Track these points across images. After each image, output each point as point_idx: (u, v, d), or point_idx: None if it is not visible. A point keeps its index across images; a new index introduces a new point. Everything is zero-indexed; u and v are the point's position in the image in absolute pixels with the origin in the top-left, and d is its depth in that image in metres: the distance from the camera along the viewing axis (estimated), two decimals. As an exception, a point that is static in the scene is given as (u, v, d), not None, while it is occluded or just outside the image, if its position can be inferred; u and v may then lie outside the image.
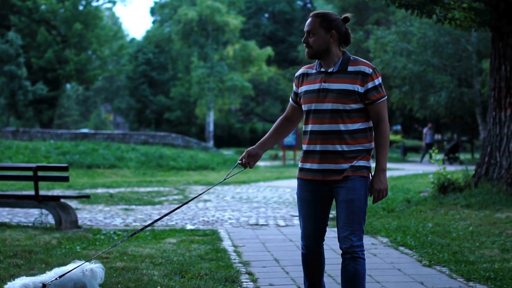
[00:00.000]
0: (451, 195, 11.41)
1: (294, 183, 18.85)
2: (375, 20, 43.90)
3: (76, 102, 71.36)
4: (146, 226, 5.02)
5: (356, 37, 36.53)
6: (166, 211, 12.17)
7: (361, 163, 4.47)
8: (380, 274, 6.48)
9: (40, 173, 10.09)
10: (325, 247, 4.85)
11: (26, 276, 4.90)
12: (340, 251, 4.53)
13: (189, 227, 10.16)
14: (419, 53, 31.02)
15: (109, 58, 49.38)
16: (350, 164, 4.45)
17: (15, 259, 7.02)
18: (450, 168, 17.52)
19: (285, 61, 62.75)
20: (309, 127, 4.55)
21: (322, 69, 4.54)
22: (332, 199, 4.62)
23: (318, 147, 4.50)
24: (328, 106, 4.45)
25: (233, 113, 59.69)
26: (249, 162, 4.76)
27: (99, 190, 16.50)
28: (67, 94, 60.22)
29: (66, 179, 10.00)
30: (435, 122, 39.78)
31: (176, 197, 14.92)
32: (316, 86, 4.52)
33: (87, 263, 4.82)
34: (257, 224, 10.51)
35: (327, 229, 4.78)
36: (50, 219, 10.30)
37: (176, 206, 12.99)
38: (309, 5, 67.95)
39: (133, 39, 68.08)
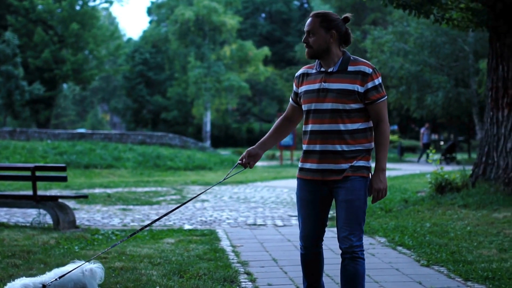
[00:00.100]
0: (449, 195, 11.43)
1: (291, 183, 18.90)
2: (372, 20, 43.98)
3: (72, 102, 71.34)
4: (146, 226, 5.02)
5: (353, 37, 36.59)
6: (164, 211, 12.17)
7: (361, 163, 4.47)
8: (379, 274, 6.49)
9: (38, 173, 10.08)
10: (323, 247, 4.85)
11: (25, 276, 4.90)
12: (340, 251, 4.53)
13: (187, 227, 10.16)
14: (416, 53, 31.08)
15: (106, 58, 49.36)
16: (350, 164, 4.45)
17: (13, 259, 7.02)
18: (447, 168, 17.54)
19: (282, 61, 62.82)
20: (309, 127, 4.55)
21: (322, 69, 4.54)
22: (332, 199, 4.62)
23: (317, 147, 4.50)
24: (328, 106, 4.45)
25: (230, 113, 59.74)
26: (249, 162, 4.77)
27: (97, 190, 16.49)
28: (64, 94, 60.21)
29: (64, 179, 9.99)
30: (432, 122, 39.84)
31: (173, 197, 14.92)
32: (316, 86, 4.52)
33: (87, 263, 4.82)
34: (255, 224, 10.51)
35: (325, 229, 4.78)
36: (48, 219, 10.29)
37: (175, 206, 13.02)
38: (306, 5, 68.01)
39: (130, 39, 68.04)
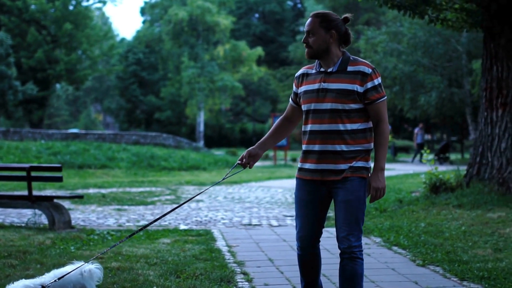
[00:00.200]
0: (443, 195, 11.47)
1: (285, 183, 18.93)
2: (365, 21, 44.05)
3: (66, 102, 71.20)
4: (146, 226, 5.02)
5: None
6: (159, 211, 12.18)
7: (360, 163, 4.48)
8: (375, 273, 6.51)
9: (33, 174, 10.07)
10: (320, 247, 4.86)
11: (22, 276, 4.90)
12: (337, 251, 4.54)
13: (182, 227, 10.17)
14: (409, 54, 31.17)
15: (99, 58, 49.32)
16: (349, 165, 4.46)
17: (9, 259, 7.01)
18: (441, 168, 17.59)
19: (275, 61, 62.90)
20: (309, 127, 4.55)
21: (322, 69, 4.55)
22: (330, 200, 4.62)
23: (317, 147, 4.51)
24: (327, 106, 4.45)
25: (224, 113, 59.77)
26: (248, 162, 4.78)
27: (91, 190, 16.47)
28: (57, 94, 60.10)
29: (59, 179, 9.98)
30: (425, 122, 39.92)
31: (168, 197, 14.92)
32: (315, 86, 4.53)
33: (86, 264, 4.81)
34: (250, 224, 10.52)
35: (321, 228, 4.79)
36: (43, 220, 10.28)
37: (169, 206, 13.02)
38: (299, 5, 68.09)
39: (123, 39, 67.98)
